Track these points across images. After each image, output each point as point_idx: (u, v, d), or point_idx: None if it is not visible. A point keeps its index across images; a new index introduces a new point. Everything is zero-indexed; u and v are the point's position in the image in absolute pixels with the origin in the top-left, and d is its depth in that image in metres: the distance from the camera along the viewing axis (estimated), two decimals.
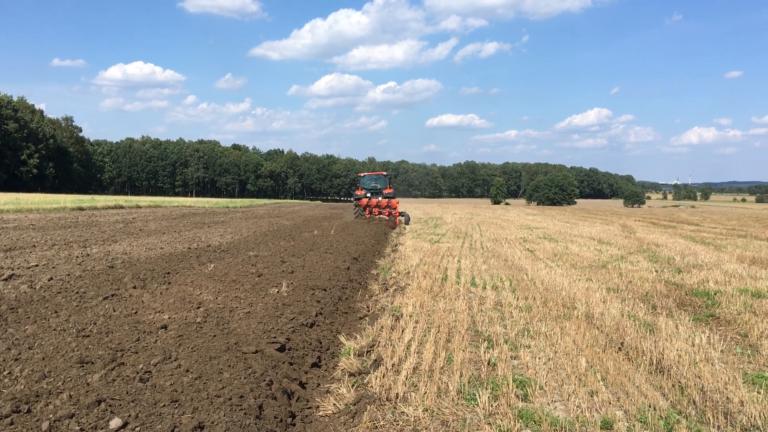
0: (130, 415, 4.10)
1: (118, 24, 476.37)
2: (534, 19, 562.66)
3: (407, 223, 30.53)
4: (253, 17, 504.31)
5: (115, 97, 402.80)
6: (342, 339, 6.97)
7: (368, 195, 31.91)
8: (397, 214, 30.24)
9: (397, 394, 5.17)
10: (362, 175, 34.98)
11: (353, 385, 5.45)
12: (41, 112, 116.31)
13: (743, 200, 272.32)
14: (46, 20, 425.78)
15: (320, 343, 6.65)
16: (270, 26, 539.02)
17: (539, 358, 6.40)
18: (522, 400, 5.22)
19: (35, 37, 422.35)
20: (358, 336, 7.06)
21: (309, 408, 5.03)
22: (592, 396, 5.32)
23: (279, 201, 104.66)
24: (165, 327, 6.47)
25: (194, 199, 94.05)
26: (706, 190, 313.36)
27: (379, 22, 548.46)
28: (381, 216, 30.31)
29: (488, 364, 6.16)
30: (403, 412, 4.85)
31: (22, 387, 4.65)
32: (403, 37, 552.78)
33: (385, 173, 34.93)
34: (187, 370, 5.01)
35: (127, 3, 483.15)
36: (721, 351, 6.76)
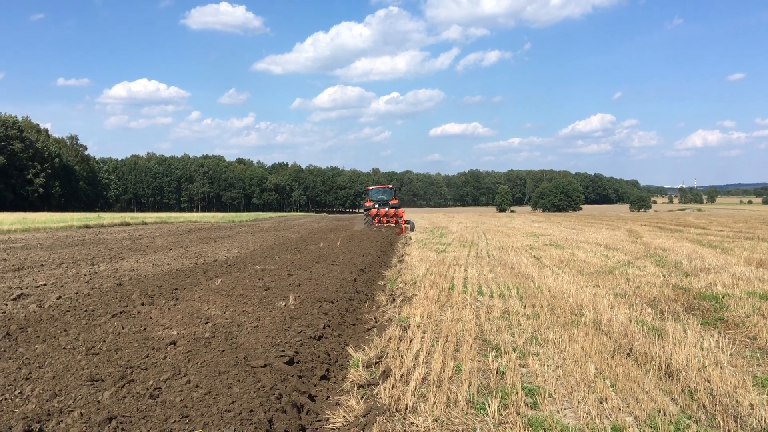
0: None
1: (122, 42, 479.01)
2: (535, 27, 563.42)
3: (412, 229, 33.25)
4: (255, 32, 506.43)
5: (119, 115, 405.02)
6: (350, 351, 6.98)
7: (376, 206, 34.70)
8: (403, 222, 33.18)
9: (406, 404, 5.17)
10: (370, 188, 38.61)
11: (362, 397, 5.47)
12: (46, 131, 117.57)
13: (749, 202, 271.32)
14: (50, 40, 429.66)
15: (329, 355, 6.67)
16: (272, 41, 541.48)
17: (548, 366, 6.40)
18: (531, 408, 5.22)
19: (40, 57, 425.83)
20: (366, 347, 7.07)
21: (319, 421, 5.03)
22: (601, 402, 5.31)
23: (284, 214, 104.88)
24: (174, 343, 6.50)
25: (200, 214, 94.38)
26: (712, 193, 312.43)
27: (380, 33, 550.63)
28: (389, 224, 33.12)
29: (497, 372, 6.16)
30: (413, 423, 4.85)
31: (34, 406, 4.69)
32: (405, 48, 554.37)
33: (390, 186, 38.66)
34: (197, 386, 5.03)
35: (131, 21, 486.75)
36: (730, 354, 6.74)
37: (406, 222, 33.67)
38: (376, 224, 33.50)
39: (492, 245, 23.09)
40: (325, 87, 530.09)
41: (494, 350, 6.98)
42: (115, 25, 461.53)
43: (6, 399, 4.88)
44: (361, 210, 37.25)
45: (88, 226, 33.51)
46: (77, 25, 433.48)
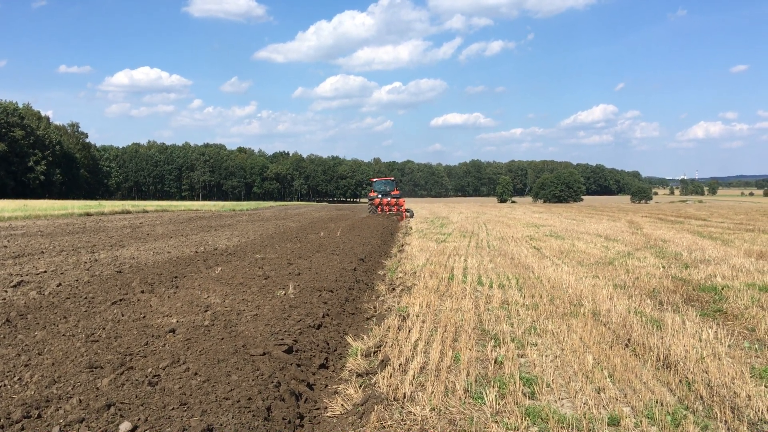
0: (139, 419, 4.14)
1: (124, 30, 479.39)
2: (538, 17, 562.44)
3: (412, 217, 37.81)
4: (258, 20, 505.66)
5: (121, 103, 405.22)
6: (349, 340, 7.00)
7: (380, 196, 38.72)
8: (404, 210, 37.33)
9: (404, 393, 5.19)
10: (374, 180, 43.47)
11: (361, 386, 5.48)
12: (47, 118, 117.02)
13: (751, 194, 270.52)
14: (52, 27, 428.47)
15: (327, 344, 6.68)
16: (275, 29, 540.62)
17: (546, 356, 6.41)
18: (529, 398, 5.23)
19: (42, 44, 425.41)
20: (365, 336, 7.09)
21: (317, 409, 5.05)
22: (599, 393, 5.33)
23: (285, 203, 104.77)
24: (173, 331, 6.51)
25: (201, 202, 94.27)
26: (714, 185, 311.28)
27: (383, 22, 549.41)
28: (390, 212, 36.80)
29: (495, 362, 6.18)
30: (411, 412, 4.87)
31: (33, 392, 4.70)
32: (407, 37, 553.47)
33: (392, 178, 43.63)
34: (196, 373, 5.04)
35: (133, 9, 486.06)
36: (729, 346, 6.75)
37: (407, 210, 37.69)
38: (380, 212, 37.11)
39: (492, 235, 23.09)
40: (327, 76, 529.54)
41: (493, 340, 7.00)
42: (118, 13, 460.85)
43: (5, 385, 4.90)
44: (363, 200, 41.09)
45: (88, 214, 33.52)
46: (79, 12, 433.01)
